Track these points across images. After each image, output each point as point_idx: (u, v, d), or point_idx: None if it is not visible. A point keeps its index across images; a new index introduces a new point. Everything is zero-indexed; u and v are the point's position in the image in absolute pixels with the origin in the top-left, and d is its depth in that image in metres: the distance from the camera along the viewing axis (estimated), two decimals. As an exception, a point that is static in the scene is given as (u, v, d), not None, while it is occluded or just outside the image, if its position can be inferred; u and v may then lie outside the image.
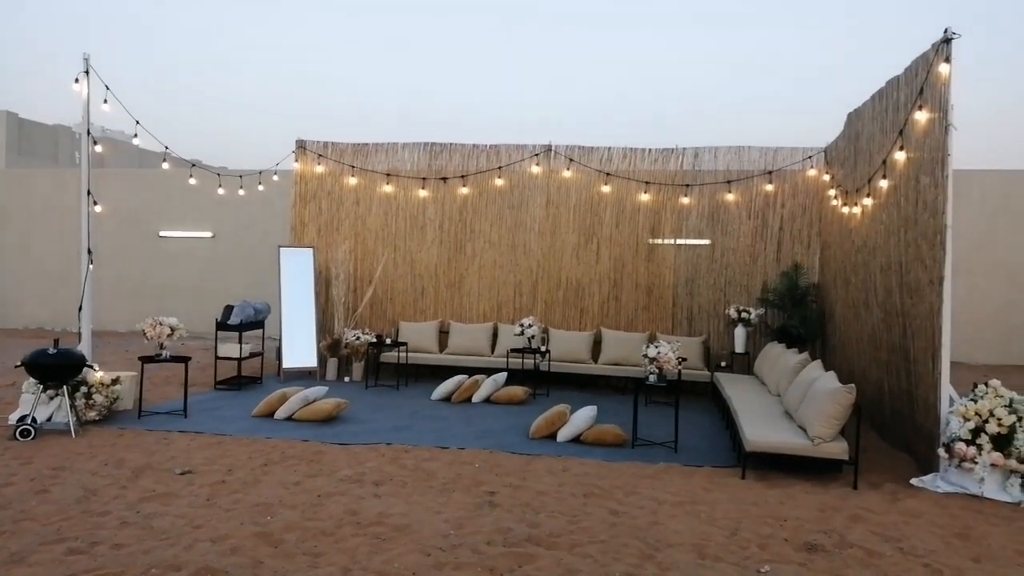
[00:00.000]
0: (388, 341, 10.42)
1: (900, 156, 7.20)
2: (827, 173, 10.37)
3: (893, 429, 7.68)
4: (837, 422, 6.13)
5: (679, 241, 10.94)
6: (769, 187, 10.67)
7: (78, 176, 17.10)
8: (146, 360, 8.09)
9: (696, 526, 5.07)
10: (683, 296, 10.98)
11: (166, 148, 9.44)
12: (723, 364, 10.63)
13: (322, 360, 10.81)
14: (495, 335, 11.06)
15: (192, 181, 10.17)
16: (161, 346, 8.04)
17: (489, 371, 10.30)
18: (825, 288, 10.35)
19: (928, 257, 6.51)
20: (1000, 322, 13.74)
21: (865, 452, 7.36)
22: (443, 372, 10.75)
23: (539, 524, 5.02)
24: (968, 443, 5.90)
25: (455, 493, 5.67)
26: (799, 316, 10.11)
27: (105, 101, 7.84)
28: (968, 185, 13.57)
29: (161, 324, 7.96)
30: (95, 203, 7.83)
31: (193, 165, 10.26)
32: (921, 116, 6.65)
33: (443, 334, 11.25)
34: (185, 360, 8.23)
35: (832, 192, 9.99)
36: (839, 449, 6.14)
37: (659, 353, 7.26)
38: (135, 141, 8.50)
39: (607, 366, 10.49)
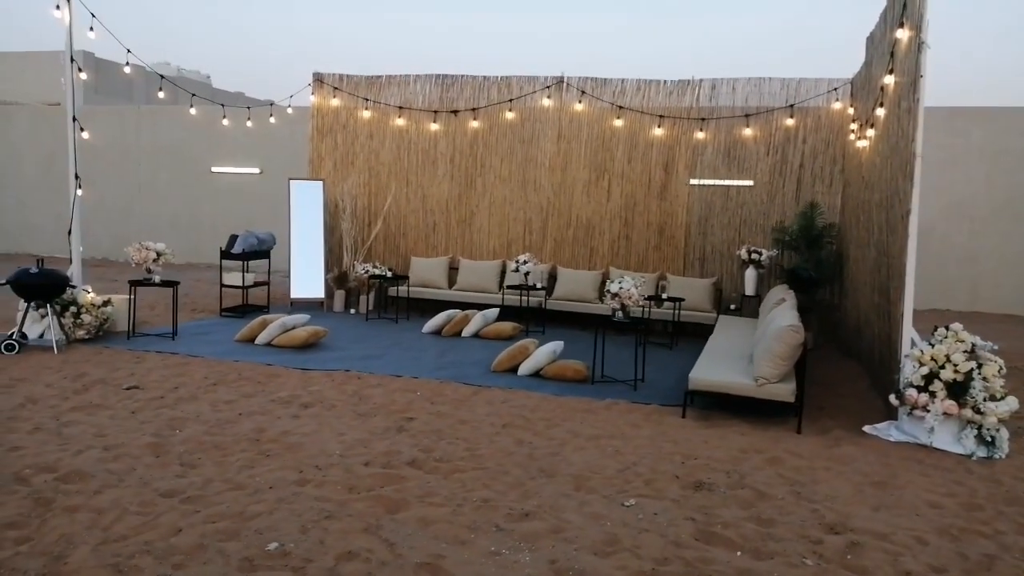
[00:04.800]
0: (389, 275, 10.45)
1: (889, 80, 6.62)
2: (851, 106, 9.67)
3: (880, 375, 7.23)
4: (783, 362, 5.80)
5: (723, 182, 10.40)
6: (790, 121, 10.04)
7: (138, 115, 17.85)
8: (136, 283, 8.38)
9: (594, 459, 4.92)
10: (696, 236, 10.55)
11: (145, 67, 9.60)
12: (732, 307, 10.22)
13: (329, 292, 10.96)
14: (503, 272, 10.94)
15: (161, 95, 10.30)
16: (148, 270, 8.31)
17: (498, 308, 10.15)
18: (844, 228, 9.74)
19: (902, 190, 6.01)
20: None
21: (848, 398, 7.01)
22: (451, 307, 10.71)
23: (433, 450, 4.98)
24: (920, 390, 5.47)
25: (375, 418, 5.68)
26: (813, 258, 9.57)
27: (91, 28, 8.00)
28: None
29: (147, 248, 8.21)
30: (82, 129, 8.06)
31: (162, 78, 10.42)
32: (903, 35, 6.07)
33: (453, 270, 11.21)
34: (174, 284, 8.48)
35: (853, 126, 9.34)
36: (785, 391, 5.82)
37: (621, 288, 7.00)
38: (126, 70, 8.71)
39: (612, 306, 10.21)
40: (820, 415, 6.28)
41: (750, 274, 9.95)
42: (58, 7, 7.72)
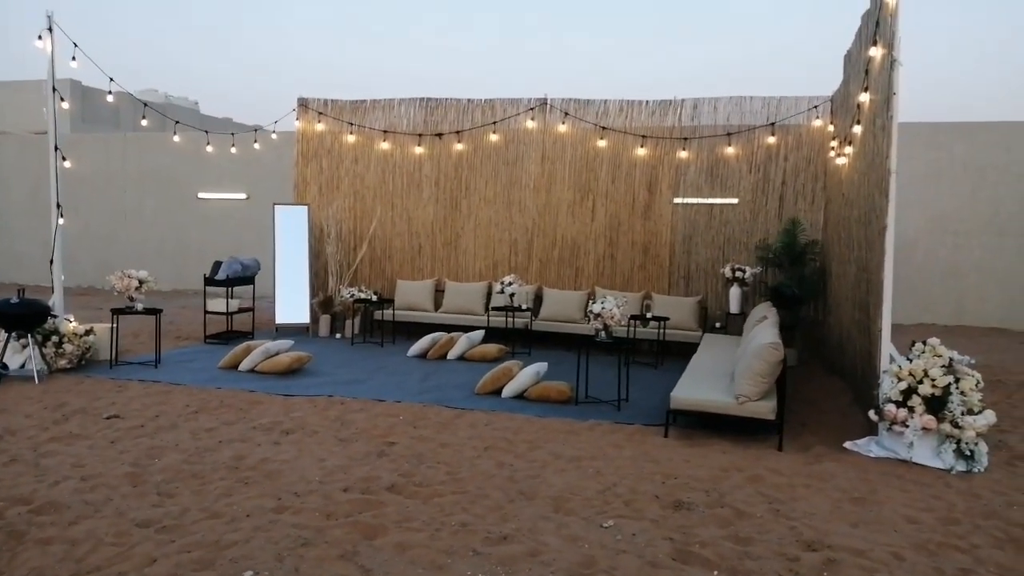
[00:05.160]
0: (375, 299, 10.45)
1: (865, 98, 6.70)
2: (831, 123, 9.76)
3: (862, 391, 7.25)
4: (763, 380, 5.81)
5: (706, 200, 10.45)
6: (772, 139, 10.13)
7: (124, 142, 17.86)
8: (118, 312, 8.36)
9: (575, 481, 4.91)
10: (680, 255, 10.60)
11: (145, 105, 9.63)
12: (717, 325, 10.25)
13: (314, 316, 10.95)
14: (489, 294, 10.95)
15: (144, 122, 10.35)
16: (131, 299, 8.28)
17: (483, 330, 10.15)
18: (827, 245, 9.81)
19: (879, 206, 6.06)
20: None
21: (830, 414, 7.01)
22: (437, 330, 10.70)
23: (413, 474, 4.96)
24: (899, 405, 5.49)
25: (356, 443, 5.66)
26: (796, 275, 9.61)
27: (73, 58, 8.04)
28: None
29: (129, 277, 8.19)
30: (64, 159, 8.07)
31: (146, 106, 10.45)
32: (876, 53, 6.15)
33: (439, 293, 11.22)
34: (156, 312, 8.46)
35: (833, 143, 9.43)
36: (766, 408, 5.82)
37: (603, 309, 7.01)
38: (109, 98, 8.75)
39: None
40: (802, 432, 6.29)
41: (734, 292, 9.99)
42: (40, 37, 7.75)
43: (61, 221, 8.11)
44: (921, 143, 12.78)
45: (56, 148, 7.95)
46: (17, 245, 17.91)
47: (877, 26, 6.14)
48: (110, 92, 8.69)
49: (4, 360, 7.57)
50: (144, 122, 10.18)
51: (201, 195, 17.33)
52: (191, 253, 16.98)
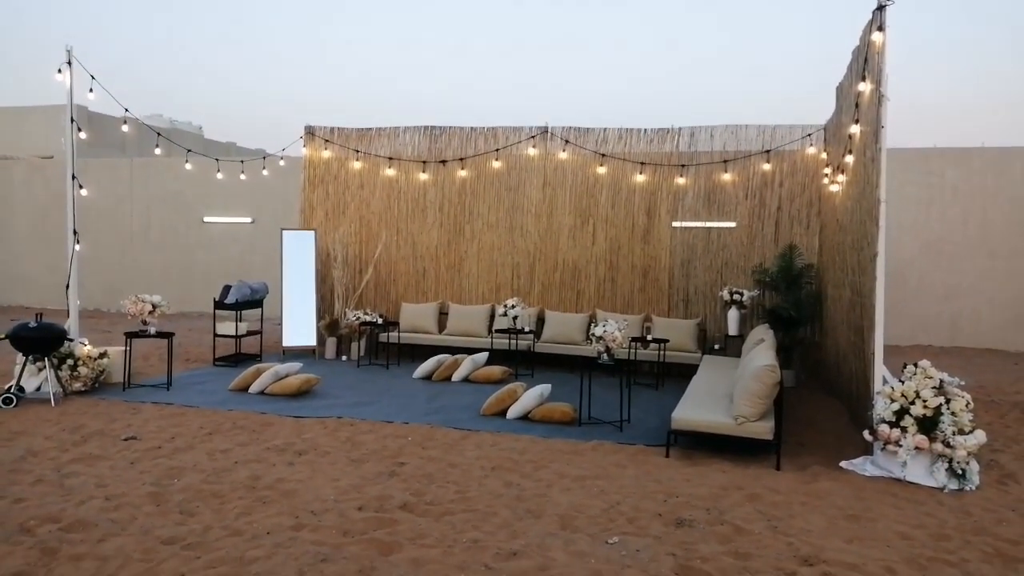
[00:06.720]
0: (379, 321, 10.66)
1: (855, 129, 6.96)
2: (825, 151, 10.03)
3: (858, 411, 7.45)
4: (761, 401, 6.01)
5: (704, 224, 10.68)
6: (767, 166, 10.39)
7: (130, 167, 18.13)
8: (132, 335, 8.57)
9: (580, 499, 5.10)
10: (679, 278, 10.83)
11: (158, 134, 9.88)
12: (717, 347, 10.45)
13: (321, 339, 11.15)
14: (492, 316, 11.16)
15: (157, 151, 10.58)
16: (144, 322, 8.49)
17: (487, 352, 10.34)
18: (822, 269, 10.04)
19: (870, 233, 6.30)
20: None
21: (828, 434, 7.21)
22: (442, 352, 10.90)
23: (424, 493, 5.15)
24: (892, 425, 5.69)
25: (367, 464, 5.85)
26: (792, 298, 9.83)
27: (91, 90, 8.30)
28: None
29: (143, 301, 8.41)
30: (80, 187, 8.31)
31: (159, 135, 10.66)
32: (865, 88, 6.41)
33: (443, 315, 11.42)
34: (169, 336, 8.67)
35: (827, 170, 9.68)
36: (763, 429, 6.02)
37: (605, 331, 7.23)
38: (124, 128, 9.01)
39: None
40: (800, 451, 6.48)
41: (732, 314, 10.20)
42: (60, 71, 8.01)
43: (78, 247, 8.33)
44: (914, 169, 13.09)
45: (73, 177, 8.19)
46: (23, 268, 18.13)
47: (866, 62, 6.41)
48: (125, 121, 8.95)
49: (21, 383, 7.76)
50: (158, 151, 10.42)
51: (207, 219, 17.58)
52: (196, 276, 17.21)
